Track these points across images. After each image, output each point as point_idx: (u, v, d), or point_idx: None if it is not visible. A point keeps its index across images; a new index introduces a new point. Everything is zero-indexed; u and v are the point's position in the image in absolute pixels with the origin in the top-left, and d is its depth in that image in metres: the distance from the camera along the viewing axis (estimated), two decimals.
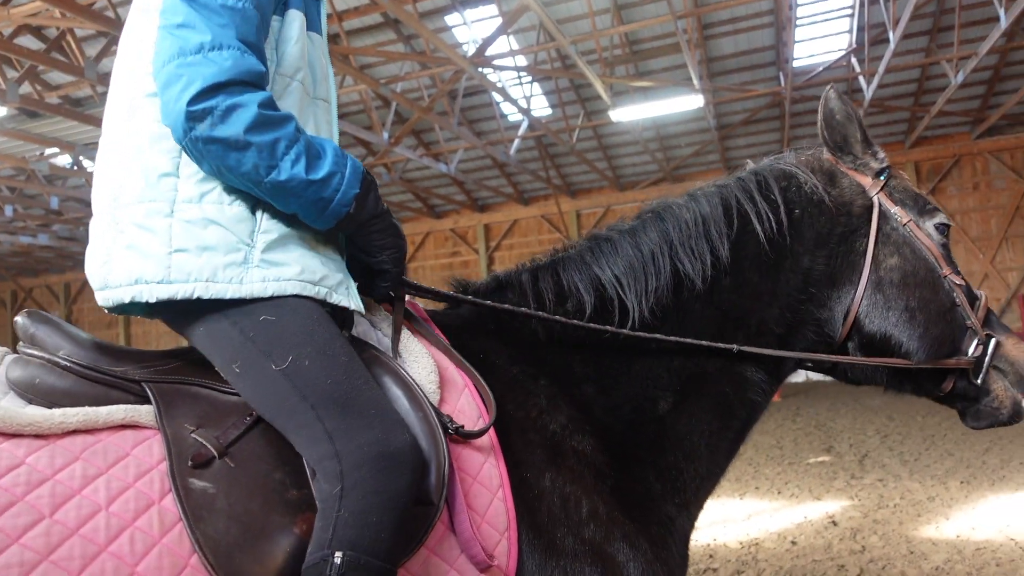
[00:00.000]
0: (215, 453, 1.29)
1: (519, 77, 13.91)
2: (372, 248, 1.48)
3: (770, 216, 1.76)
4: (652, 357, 1.71)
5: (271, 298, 1.34)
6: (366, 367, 1.39)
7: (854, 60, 12.92)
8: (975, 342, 1.77)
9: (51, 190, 15.13)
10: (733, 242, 1.75)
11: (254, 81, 1.30)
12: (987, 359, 1.76)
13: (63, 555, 1.12)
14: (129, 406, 1.33)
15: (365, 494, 1.22)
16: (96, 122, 11.17)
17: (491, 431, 1.45)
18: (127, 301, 1.33)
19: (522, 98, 14.07)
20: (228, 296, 1.31)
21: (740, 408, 1.76)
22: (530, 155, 17.00)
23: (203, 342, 1.38)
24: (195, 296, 1.30)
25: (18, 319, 1.45)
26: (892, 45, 10.16)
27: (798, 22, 11.89)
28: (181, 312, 1.37)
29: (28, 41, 10.92)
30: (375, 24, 12.38)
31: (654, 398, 1.68)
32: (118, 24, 8.54)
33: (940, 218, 1.85)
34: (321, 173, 1.33)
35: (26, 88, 10.75)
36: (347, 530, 1.19)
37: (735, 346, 1.68)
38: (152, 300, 1.31)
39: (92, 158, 13.67)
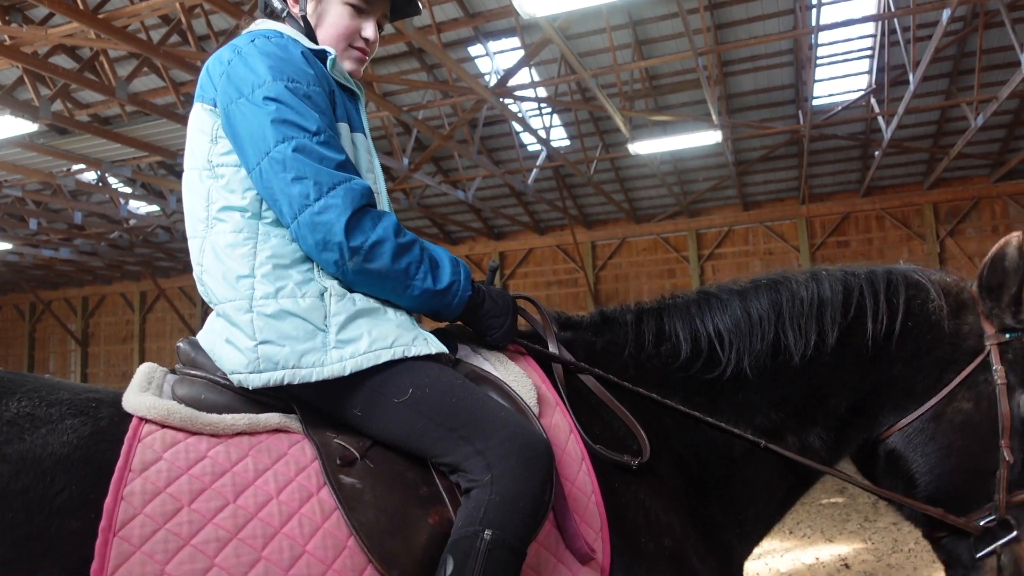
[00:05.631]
0: (357, 455, 1.48)
1: (539, 108, 14.07)
2: (484, 329, 1.69)
3: (885, 320, 1.83)
4: (738, 410, 1.82)
5: (352, 375, 1.48)
6: (476, 384, 1.59)
7: (873, 100, 12.97)
8: (991, 517, 1.78)
9: (75, 205, 15.39)
10: (843, 330, 1.83)
11: (369, 201, 1.51)
12: (998, 543, 1.76)
13: (248, 534, 1.34)
14: (281, 414, 1.54)
15: (514, 480, 1.39)
16: (124, 140, 11.39)
17: (581, 444, 1.63)
18: (237, 386, 1.52)
19: (541, 129, 14.20)
20: (313, 379, 1.47)
21: (799, 465, 1.87)
22: (547, 185, 17.11)
23: (323, 402, 1.54)
24: (285, 383, 1.47)
25: (180, 344, 1.64)
26: (912, 87, 10.20)
27: (818, 62, 11.97)
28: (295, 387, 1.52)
29: (62, 60, 11.21)
30: (400, 53, 12.59)
31: (730, 444, 1.80)
32: (150, 46, 8.75)
33: None
34: (444, 283, 1.57)
35: (57, 106, 10.99)
36: (497, 512, 1.36)
37: (762, 442, 1.77)
38: (250, 388, 1.49)
39: (117, 175, 13.93)
